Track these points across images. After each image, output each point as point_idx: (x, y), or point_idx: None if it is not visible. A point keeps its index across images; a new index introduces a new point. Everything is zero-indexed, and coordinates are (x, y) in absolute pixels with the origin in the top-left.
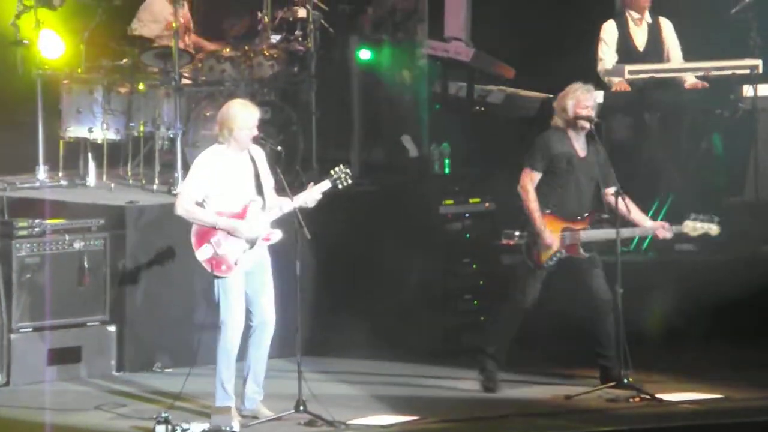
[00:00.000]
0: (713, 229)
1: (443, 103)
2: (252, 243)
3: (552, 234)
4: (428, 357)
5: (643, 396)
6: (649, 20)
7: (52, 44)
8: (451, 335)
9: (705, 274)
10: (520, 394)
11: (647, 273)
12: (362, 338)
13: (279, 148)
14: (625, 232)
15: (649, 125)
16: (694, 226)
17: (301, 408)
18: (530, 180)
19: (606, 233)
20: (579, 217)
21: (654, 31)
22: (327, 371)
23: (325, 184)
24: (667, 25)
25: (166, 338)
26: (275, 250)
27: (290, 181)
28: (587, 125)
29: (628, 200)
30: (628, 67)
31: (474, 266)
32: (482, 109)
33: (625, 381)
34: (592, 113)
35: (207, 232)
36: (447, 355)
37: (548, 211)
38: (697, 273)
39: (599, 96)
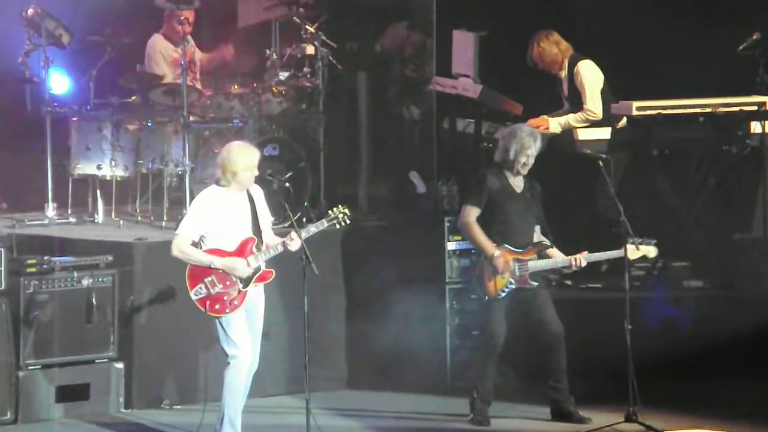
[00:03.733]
0: (651, 251)
1: (451, 139)
2: (246, 282)
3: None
4: (436, 392)
5: None
6: None
7: (59, 82)
8: (459, 371)
9: (714, 311)
10: (531, 431)
11: (656, 309)
12: (370, 374)
13: (287, 184)
14: (560, 262)
15: (656, 161)
16: (632, 250)
17: None
18: (472, 215)
19: (552, 263)
20: (525, 249)
21: None
22: (335, 407)
23: (322, 224)
24: None
25: (174, 375)
26: (283, 286)
27: (298, 218)
28: (525, 170)
29: (544, 238)
30: (635, 104)
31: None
32: (490, 145)
33: (634, 417)
34: (532, 160)
35: (202, 272)
36: (455, 391)
37: (503, 246)
38: (705, 309)
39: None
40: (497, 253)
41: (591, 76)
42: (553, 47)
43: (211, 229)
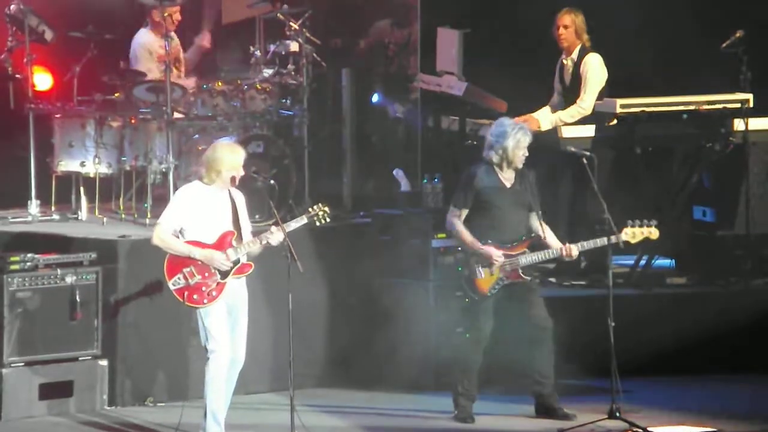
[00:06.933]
0: (653, 232)
1: (435, 137)
2: (225, 274)
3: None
4: (420, 390)
5: (635, 429)
6: None
7: (42, 79)
8: (443, 368)
9: (696, 307)
10: (513, 427)
11: (639, 306)
12: (354, 371)
13: (272, 182)
14: (550, 254)
15: (639, 159)
16: (633, 233)
17: None
18: (457, 217)
19: (543, 255)
20: (515, 243)
21: None
22: (319, 404)
23: (302, 219)
24: None
25: (158, 372)
26: (267, 283)
27: (283, 215)
28: (520, 165)
29: (545, 225)
30: (619, 101)
31: (466, 300)
32: (474, 143)
33: (618, 414)
34: (527, 152)
35: (180, 263)
36: (439, 388)
37: (487, 242)
38: (688, 306)
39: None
40: (488, 248)
41: (598, 70)
42: (583, 27)
43: (191, 222)
